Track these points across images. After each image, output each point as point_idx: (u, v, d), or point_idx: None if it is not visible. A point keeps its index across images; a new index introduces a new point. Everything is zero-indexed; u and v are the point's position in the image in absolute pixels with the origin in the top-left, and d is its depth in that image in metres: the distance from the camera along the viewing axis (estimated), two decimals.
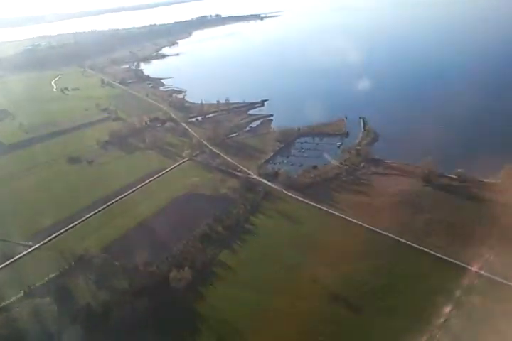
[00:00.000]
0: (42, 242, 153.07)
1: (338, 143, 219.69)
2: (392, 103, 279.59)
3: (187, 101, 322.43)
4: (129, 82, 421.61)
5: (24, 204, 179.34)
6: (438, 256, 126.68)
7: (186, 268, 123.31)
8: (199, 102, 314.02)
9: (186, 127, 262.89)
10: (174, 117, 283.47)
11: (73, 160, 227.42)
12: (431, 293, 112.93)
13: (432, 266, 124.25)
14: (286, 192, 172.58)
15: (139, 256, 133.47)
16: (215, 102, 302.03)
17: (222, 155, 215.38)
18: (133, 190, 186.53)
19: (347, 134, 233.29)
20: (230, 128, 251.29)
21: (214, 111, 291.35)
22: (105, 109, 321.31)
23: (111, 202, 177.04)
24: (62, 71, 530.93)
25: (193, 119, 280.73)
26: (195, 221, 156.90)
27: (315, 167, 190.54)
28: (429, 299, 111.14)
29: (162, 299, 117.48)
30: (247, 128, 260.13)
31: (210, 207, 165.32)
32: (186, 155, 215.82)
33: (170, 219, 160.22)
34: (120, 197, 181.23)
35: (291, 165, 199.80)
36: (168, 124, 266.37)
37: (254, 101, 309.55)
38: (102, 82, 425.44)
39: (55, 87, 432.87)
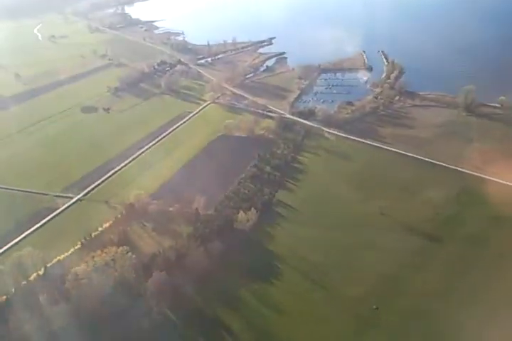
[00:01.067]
0: (83, 193, 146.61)
1: (365, 78, 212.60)
2: (408, 35, 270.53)
3: (189, 43, 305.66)
4: (118, 26, 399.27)
5: (53, 156, 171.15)
6: (502, 183, 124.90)
7: (252, 209, 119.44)
8: (201, 44, 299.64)
9: (198, 70, 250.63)
10: (181, 60, 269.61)
11: (88, 109, 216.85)
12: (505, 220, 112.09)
13: (498, 194, 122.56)
14: (326, 129, 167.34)
15: (192, 200, 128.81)
16: (222, 42, 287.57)
17: (246, 96, 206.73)
18: (164, 135, 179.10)
19: (370, 68, 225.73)
20: (245, 68, 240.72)
21: (223, 52, 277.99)
22: (103, 56, 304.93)
23: (145, 149, 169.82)
24: (41, 19, 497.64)
25: (203, 61, 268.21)
26: (239, 163, 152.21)
27: (349, 102, 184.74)
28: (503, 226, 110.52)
29: (231, 241, 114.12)
30: (263, 68, 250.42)
31: (250, 149, 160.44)
32: (209, 98, 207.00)
33: (212, 162, 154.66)
34: (153, 143, 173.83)
35: (323, 102, 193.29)
36: (178, 67, 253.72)
37: (259, 39, 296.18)
38: (90, 27, 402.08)
39: (40, 36, 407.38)
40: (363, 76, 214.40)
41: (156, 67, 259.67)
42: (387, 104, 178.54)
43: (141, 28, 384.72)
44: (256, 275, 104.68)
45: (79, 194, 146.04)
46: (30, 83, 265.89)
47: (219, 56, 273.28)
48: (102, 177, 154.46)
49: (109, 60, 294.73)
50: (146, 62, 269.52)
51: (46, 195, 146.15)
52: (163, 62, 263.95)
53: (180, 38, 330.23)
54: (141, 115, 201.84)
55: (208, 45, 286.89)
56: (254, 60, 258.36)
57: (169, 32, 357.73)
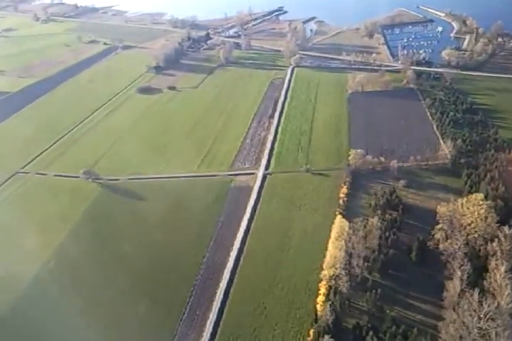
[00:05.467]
0: (263, 167, 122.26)
1: (439, 28, 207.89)
2: None
3: (196, 19, 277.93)
4: (72, 14, 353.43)
5: (180, 139, 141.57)
6: None
7: None
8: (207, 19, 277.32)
9: (237, 41, 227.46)
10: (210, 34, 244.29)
11: (146, 89, 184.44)
12: None
13: None
14: (464, 72, 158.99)
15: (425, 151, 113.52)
16: (235, 14, 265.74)
17: (331, 56, 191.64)
18: (282, 102, 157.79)
19: (431, 20, 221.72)
20: (300, 33, 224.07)
21: (245, 23, 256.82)
22: (93, 41, 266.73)
23: (278, 116, 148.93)
24: None
25: (231, 33, 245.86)
26: (407, 114, 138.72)
27: (458, 48, 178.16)
28: None
29: None
30: (310, 32, 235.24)
31: (400, 100, 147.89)
32: (292, 63, 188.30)
33: (374, 117, 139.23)
34: (279, 110, 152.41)
35: (424, 52, 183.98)
36: (213, 42, 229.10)
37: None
38: (36, 18, 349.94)
39: None
40: (435, 27, 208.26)
41: (183, 43, 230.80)
42: (498, 46, 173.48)
43: (105, 13, 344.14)
44: None
45: (256, 169, 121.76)
46: (27, 76, 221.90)
47: (245, 26, 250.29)
48: (262, 151, 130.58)
49: (105, 44, 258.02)
50: (156, 41, 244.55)
51: (215, 176, 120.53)
52: (187, 38, 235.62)
53: (168, 18, 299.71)
54: (226, 88, 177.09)
55: (226, 18, 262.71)
56: (288, 25, 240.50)
57: (149, 13, 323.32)
